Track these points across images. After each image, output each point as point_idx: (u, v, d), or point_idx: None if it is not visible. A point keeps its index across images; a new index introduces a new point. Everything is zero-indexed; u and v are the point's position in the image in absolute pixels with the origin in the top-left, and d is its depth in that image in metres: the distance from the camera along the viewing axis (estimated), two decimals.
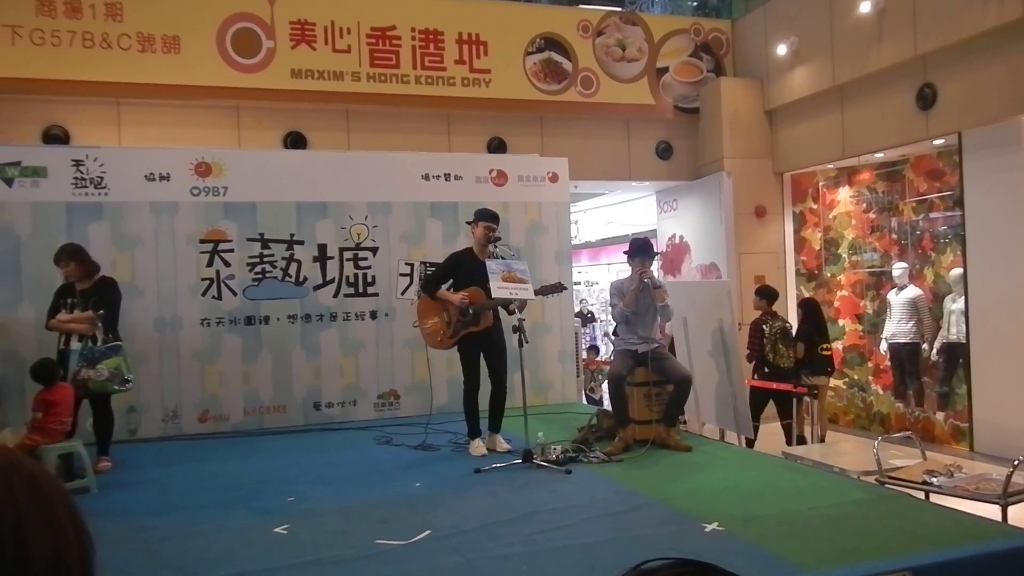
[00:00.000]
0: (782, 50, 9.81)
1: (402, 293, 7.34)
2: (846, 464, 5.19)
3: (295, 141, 8.84)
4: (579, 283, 16.56)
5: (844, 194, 9.93)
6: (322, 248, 7.13)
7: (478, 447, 5.57)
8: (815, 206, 10.27)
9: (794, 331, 7.47)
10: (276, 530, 3.95)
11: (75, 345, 5.22)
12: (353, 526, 4.01)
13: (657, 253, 5.88)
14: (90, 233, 6.46)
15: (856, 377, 9.74)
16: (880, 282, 9.46)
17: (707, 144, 10.52)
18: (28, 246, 6.31)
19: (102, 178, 6.57)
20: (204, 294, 6.81)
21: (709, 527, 3.74)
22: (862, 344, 9.70)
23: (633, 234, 10.47)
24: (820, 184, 10.19)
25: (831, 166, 9.88)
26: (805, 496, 4.32)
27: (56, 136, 7.96)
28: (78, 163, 6.53)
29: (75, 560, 0.63)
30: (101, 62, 8.05)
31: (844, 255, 9.94)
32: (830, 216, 10.11)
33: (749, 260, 10.20)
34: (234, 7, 8.57)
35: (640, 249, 5.70)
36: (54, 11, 7.96)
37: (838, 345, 9.94)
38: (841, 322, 9.92)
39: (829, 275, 10.10)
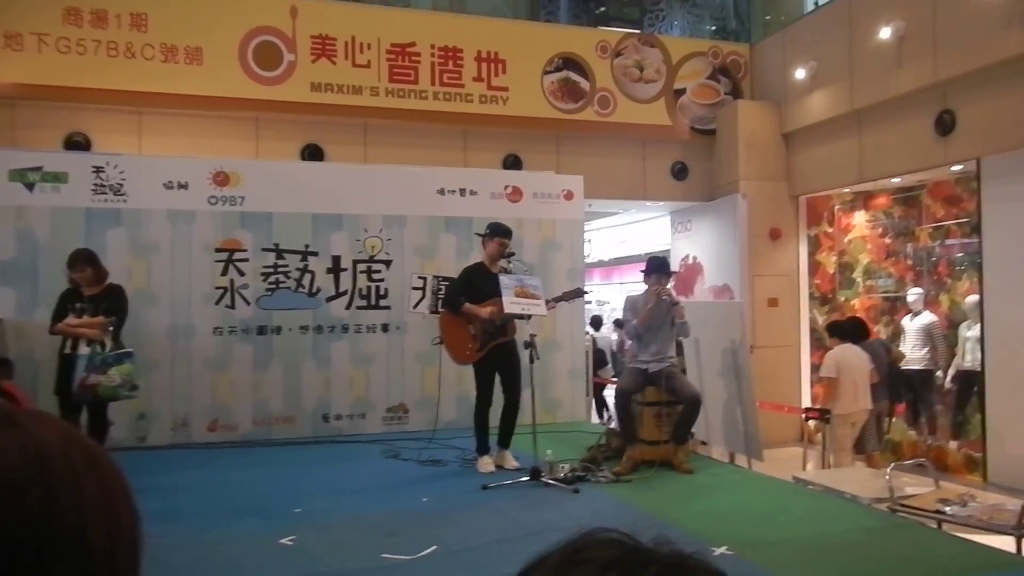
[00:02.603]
0: (800, 74, 9.82)
1: (414, 307, 7.35)
2: (857, 491, 5.13)
3: (312, 154, 8.90)
4: (591, 302, 16.53)
5: (860, 218, 9.88)
6: (336, 260, 7.16)
7: (486, 463, 5.55)
8: (830, 230, 10.23)
9: None
10: (282, 541, 3.94)
11: (83, 350, 5.23)
12: (360, 539, 4.00)
13: (674, 272, 5.87)
14: (107, 239, 6.52)
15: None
16: (894, 307, 9.39)
17: (723, 166, 10.52)
18: (46, 251, 6.37)
19: (121, 185, 6.64)
20: (218, 303, 6.85)
21: (718, 551, 3.69)
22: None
23: (647, 254, 10.46)
24: (836, 208, 10.16)
25: (847, 190, 9.85)
26: (815, 521, 4.28)
27: (78, 143, 8.04)
28: (98, 170, 6.60)
29: (126, 533, 0.64)
30: (124, 71, 8.15)
31: (859, 279, 9.88)
32: (845, 240, 10.06)
33: (763, 282, 10.16)
34: (257, 20, 8.67)
35: (657, 267, 5.69)
36: (80, 20, 8.07)
37: None
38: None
39: (843, 299, 10.04)
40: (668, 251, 11.59)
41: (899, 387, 7.76)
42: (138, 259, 6.68)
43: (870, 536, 3.98)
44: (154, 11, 8.28)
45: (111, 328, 5.38)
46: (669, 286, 5.80)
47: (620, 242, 14.71)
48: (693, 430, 6.03)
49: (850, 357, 6.80)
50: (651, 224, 12.88)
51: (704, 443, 7.20)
